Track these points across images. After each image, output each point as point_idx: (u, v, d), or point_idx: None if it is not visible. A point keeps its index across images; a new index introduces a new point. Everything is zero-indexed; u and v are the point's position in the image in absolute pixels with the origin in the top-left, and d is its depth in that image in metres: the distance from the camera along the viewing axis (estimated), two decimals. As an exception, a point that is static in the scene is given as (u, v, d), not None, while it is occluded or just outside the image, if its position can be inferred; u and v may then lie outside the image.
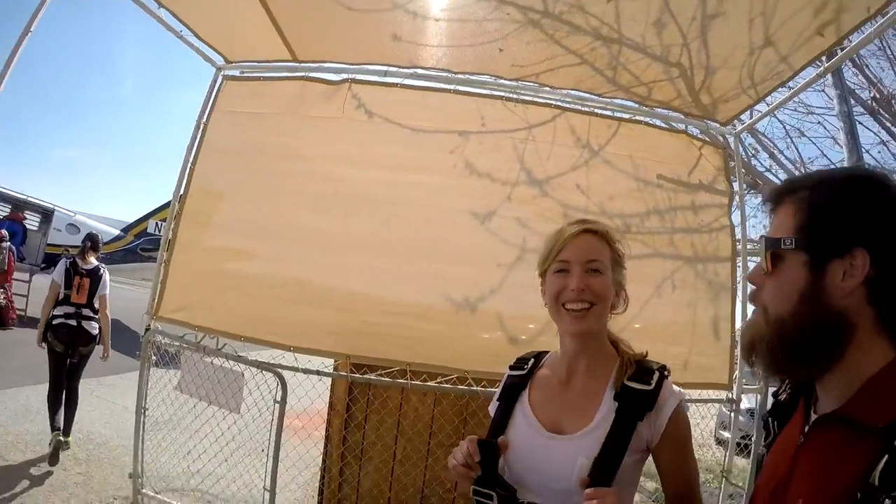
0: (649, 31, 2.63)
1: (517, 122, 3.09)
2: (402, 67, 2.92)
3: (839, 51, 2.94)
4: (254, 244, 2.83)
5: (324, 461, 3.84)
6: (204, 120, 2.80)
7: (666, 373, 1.36)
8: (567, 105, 3.18)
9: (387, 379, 3.01)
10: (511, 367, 1.54)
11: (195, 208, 2.89)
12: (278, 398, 3.07)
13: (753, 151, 5.37)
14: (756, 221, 6.72)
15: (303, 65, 2.87)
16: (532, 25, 2.59)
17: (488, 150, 3.04)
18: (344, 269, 2.87)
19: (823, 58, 2.99)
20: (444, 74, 2.97)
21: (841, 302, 0.88)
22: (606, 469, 1.23)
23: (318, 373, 3.02)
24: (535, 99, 3.13)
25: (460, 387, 3.04)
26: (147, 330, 3.13)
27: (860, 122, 5.04)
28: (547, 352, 1.55)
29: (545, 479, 1.31)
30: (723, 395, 3.53)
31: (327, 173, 2.88)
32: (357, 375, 2.99)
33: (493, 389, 3.08)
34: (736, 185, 3.56)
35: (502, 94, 3.08)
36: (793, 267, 0.93)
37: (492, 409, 1.53)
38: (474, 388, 3.02)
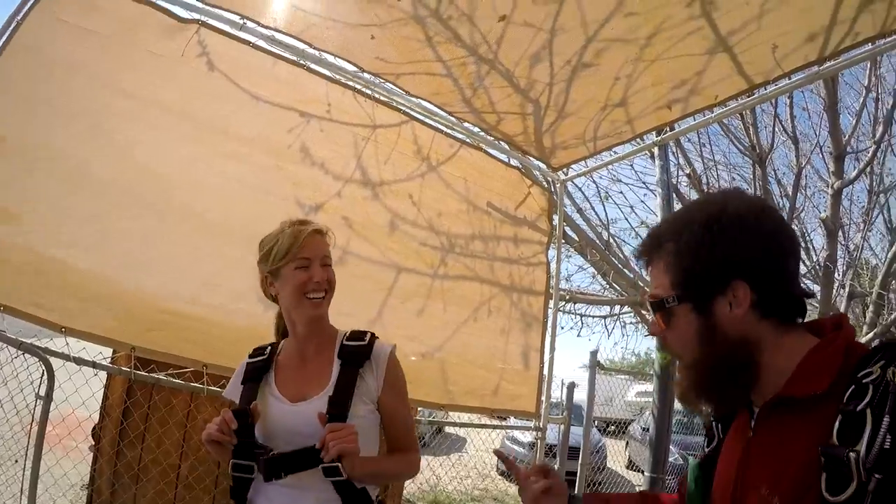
0: (524, 62, 2.72)
1: (363, 117, 2.99)
2: (262, 26, 2.63)
3: (668, 129, 3.29)
4: (34, 184, 2.26)
5: (92, 480, 3.32)
6: (19, 18, 2.22)
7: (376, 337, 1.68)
8: (417, 115, 3.16)
9: (178, 381, 2.63)
10: (250, 356, 1.74)
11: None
12: (42, 393, 2.47)
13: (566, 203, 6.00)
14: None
15: (153, -14, 2.45)
16: (416, 21, 2.53)
17: (328, 139, 2.88)
18: (141, 239, 2.44)
19: (654, 132, 3.34)
20: (303, 48, 2.74)
21: (737, 330, 0.97)
22: (339, 405, 1.50)
23: (94, 364, 2.52)
24: (388, 100, 3.07)
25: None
26: None
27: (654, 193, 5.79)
28: (277, 343, 1.78)
29: (300, 439, 1.48)
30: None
31: (147, 121, 2.46)
32: (142, 373, 2.59)
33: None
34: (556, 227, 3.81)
35: (356, 86, 2.97)
36: (683, 317, 1.02)
37: (232, 393, 1.70)
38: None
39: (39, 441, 2.51)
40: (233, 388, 1.72)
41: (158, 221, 2.50)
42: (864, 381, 0.83)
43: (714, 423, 1.19)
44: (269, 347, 1.75)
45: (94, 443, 3.38)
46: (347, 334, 1.68)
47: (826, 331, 0.98)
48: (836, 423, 0.83)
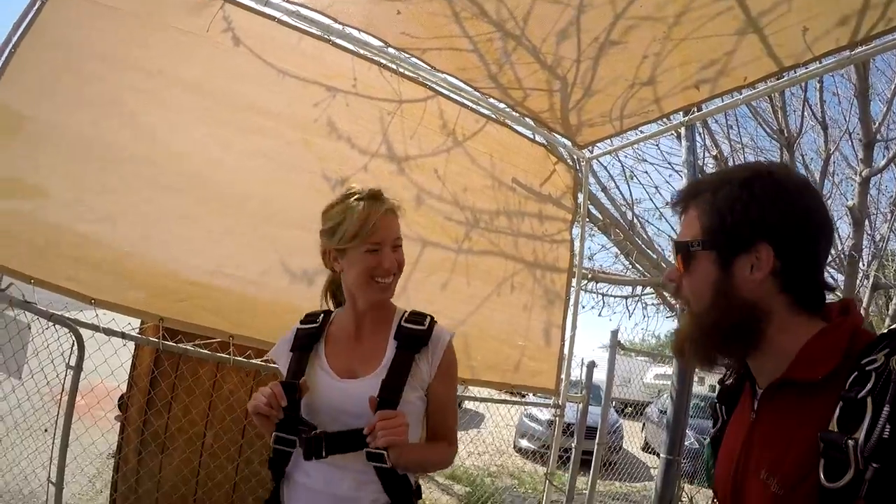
0: (551, 38, 2.68)
1: (389, 92, 2.98)
2: (287, 1, 2.63)
3: (695, 110, 3.22)
4: (62, 162, 2.28)
5: (119, 449, 3.38)
6: (42, -4, 2.19)
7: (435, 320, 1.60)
8: (443, 91, 3.15)
9: (205, 351, 2.65)
10: (302, 322, 1.67)
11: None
12: (72, 363, 2.48)
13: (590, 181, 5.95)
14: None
15: (179, -38, 2.45)
16: (443, -5, 2.50)
17: (354, 113, 2.87)
18: (168, 215, 2.47)
19: (681, 113, 3.28)
20: (328, 23, 2.73)
21: (752, 294, 0.97)
22: (391, 391, 1.44)
23: (123, 335, 2.54)
24: (414, 76, 3.05)
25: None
26: None
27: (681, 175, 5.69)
28: (330, 311, 1.71)
29: (346, 418, 1.45)
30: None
31: (170, 98, 2.46)
32: (170, 343, 2.62)
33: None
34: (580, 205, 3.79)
35: (382, 60, 2.96)
36: (704, 264, 1.03)
37: (280, 359, 1.64)
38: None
39: (69, 410, 2.52)
40: (279, 352, 1.66)
41: (185, 196, 2.51)
42: (866, 368, 0.83)
43: (718, 405, 1.21)
44: (322, 315, 1.67)
45: (121, 412, 3.44)
46: (406, 315, 1.60)
47: (832, 316, 0.97)
48: (837, 410, 0.82)
